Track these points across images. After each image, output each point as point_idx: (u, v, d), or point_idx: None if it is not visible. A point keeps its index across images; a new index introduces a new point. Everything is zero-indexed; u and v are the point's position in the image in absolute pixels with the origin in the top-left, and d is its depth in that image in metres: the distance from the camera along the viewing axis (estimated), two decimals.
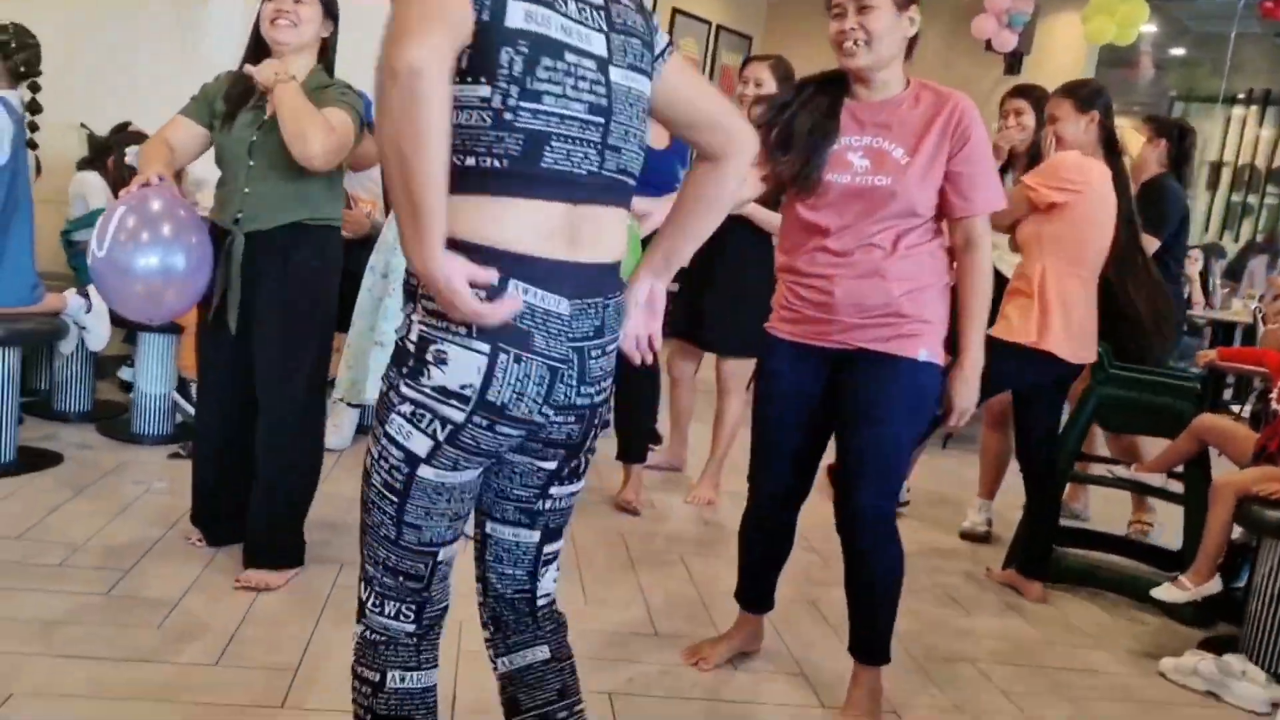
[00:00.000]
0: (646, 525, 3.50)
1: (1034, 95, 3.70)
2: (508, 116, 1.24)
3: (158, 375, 3.78)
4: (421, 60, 1.10)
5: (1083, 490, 4.05)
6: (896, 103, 2.18)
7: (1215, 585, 2.89)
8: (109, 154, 4.10)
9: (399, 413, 1.30)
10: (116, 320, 3.72)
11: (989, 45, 8.16)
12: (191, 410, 3.77)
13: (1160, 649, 2.89)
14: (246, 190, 2.57)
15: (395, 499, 1.34)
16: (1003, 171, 3.72)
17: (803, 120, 2.21)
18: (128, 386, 4.11)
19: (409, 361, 1.29)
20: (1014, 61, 8.47)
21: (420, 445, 1.30)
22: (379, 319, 3.15)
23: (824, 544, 3.40)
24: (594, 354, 1.35)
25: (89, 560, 2.68)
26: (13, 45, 3.34)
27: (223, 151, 2.63)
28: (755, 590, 2.50)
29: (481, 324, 1.24)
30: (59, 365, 3.94)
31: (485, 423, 1.29)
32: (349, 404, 3.65)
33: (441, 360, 1.27)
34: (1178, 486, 3.28)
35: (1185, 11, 8.63)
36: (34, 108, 3.50)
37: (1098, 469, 3.67)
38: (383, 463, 1.34)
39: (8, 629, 2.27)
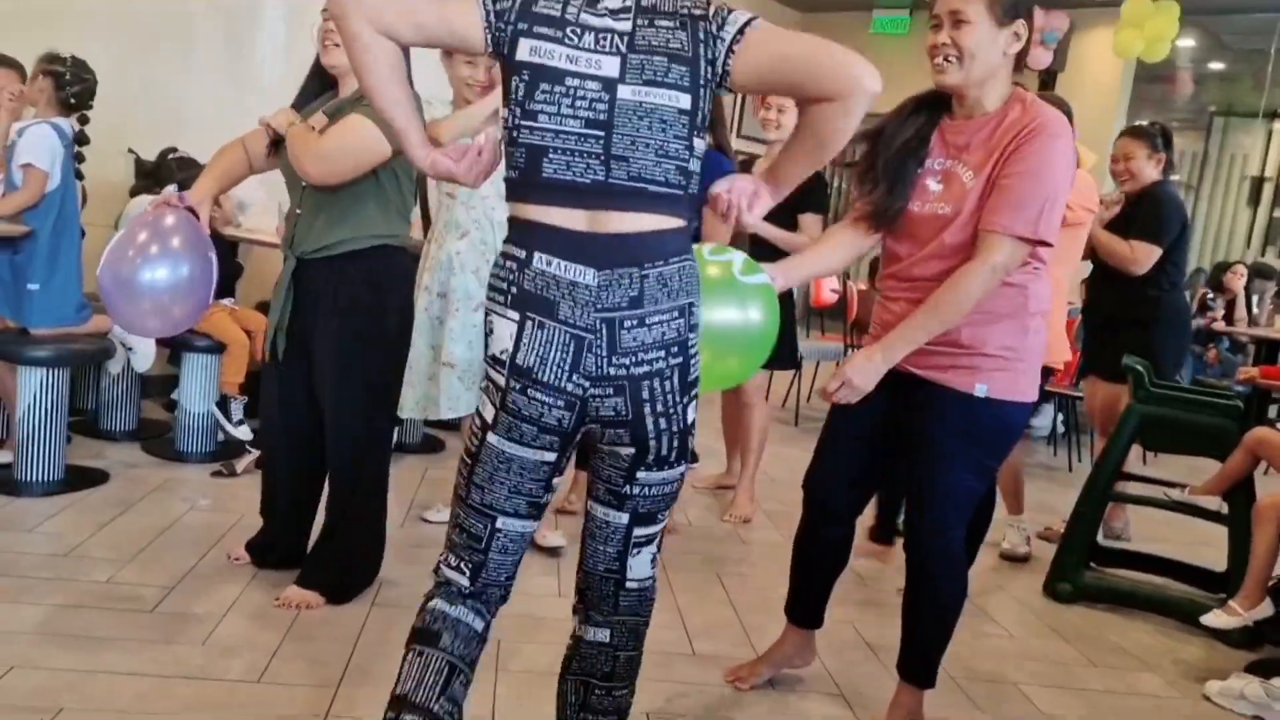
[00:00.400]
0: (683, 544, 3.50)
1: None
2: (515, 134, 1.49)
3: (201, 393, 3.85)
4: (343, 9, 1.43)
5: (1122, 510, 4.00)
6: (983, 121, 2.04)
7: (1266, 609, 2.84)
8: (158, 177, 4.19)
9: (481, 386, 1.58)
10: (161, 340, 3.79)
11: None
12: (231, 428, 3.83)
13: (1206, 671, 2.84)
14: (299, 212, 2.61)
15: (470, 460, 1.58)
16: None
17: (887, 149, 2.11)
18: (174, 405, 4.18)
19: (485, 339, 1.55)
20: (1048, 78, 8.42)
21: (489, 413, 1.54)
22: (445, 340, 3.10)
23: (864, 564, 3.38)
24: (628, 324, 1.47)
25: (135, 577, 2.73)
26: (67, 77, 3.44)
27: (283, 176, 2.68)
28: (805, 605, 2.46)
29: (454, 178, 1.55)
30: (105, 385, 4.02)
31: (519, 387, 1.49)
32: (422, 420, 3.55)
33: (491, 330, 1.52)
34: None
35: (1223, 26, 8.53)
36: (81, 139, 3.60)
37: (1133, 489, 3.64)
38: (471, 432, 1.59)
39: (58, 645, 2.32)
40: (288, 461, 2.74)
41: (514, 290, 1.48)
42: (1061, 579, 3.34)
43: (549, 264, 1.46)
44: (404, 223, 2.65)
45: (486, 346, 1.52)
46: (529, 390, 1.48)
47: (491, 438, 1.53)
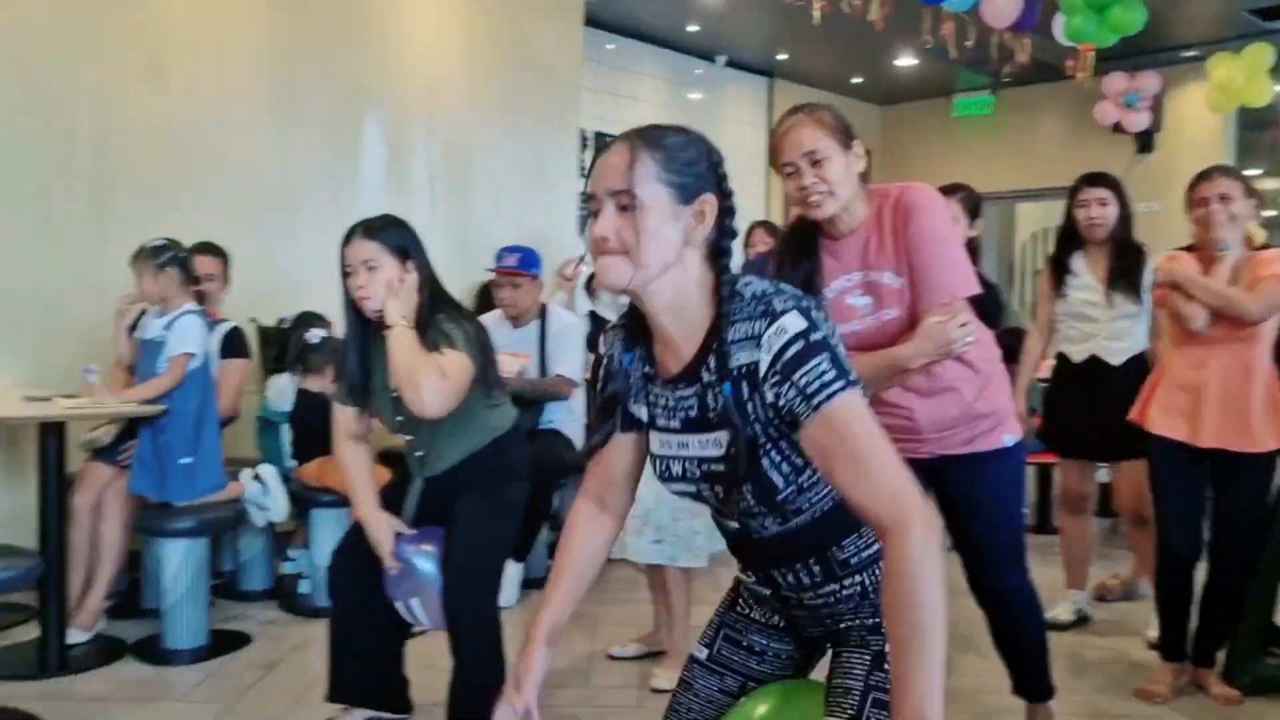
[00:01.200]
0: None
1: (1109, 182, 3.62)
2: None
3: (331, 547, 3.92)
4: None
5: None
6: (865, 230, 2.17)
7: None
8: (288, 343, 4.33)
9: None
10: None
11: (1118, 127, 8.00)
12: None
13: None
14: (419, 454, 2.62)
15: None
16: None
17: None
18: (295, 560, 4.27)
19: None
20: (1145, 139, 8.25)
21: None
22: None
23: None
24: None
25: None
26: (184, 258, 3.65)
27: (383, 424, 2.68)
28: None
29: None
30: (243, 546, 4.15)
31: None
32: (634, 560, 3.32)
33: None
34: None
35: None
36: (200, 299, 3.81)
37: None
38: None
39: None
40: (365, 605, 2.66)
41: None
42: (1240, 671, 3.09)
43: None
44: (505, 399, 2.71)
45: None
46: None
47: None
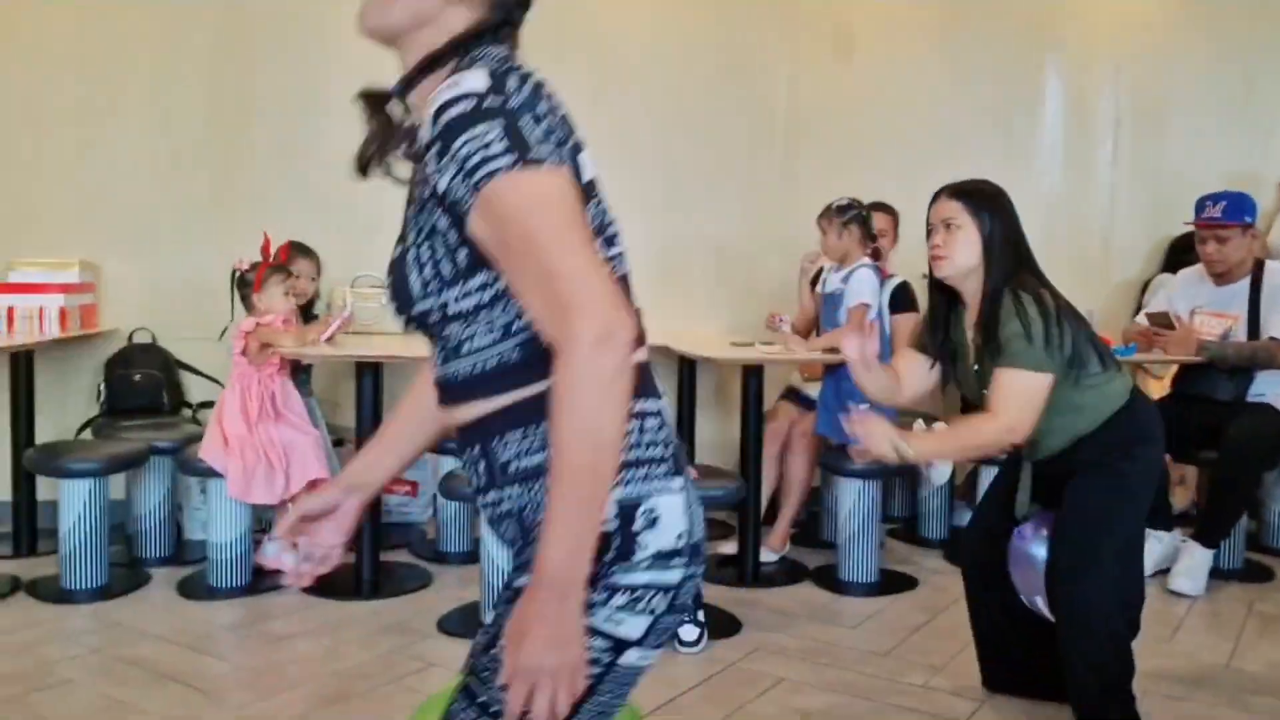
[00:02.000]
0: None
1: None
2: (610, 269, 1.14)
3: None
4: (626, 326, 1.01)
5: None
6: None
7: None
8: None
9: (623, 604, 1.10)
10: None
11: None
12: None
13: None
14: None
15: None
16: None
17: None
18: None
19: (610, 547, 1.08)
20: None
21: (638, 627, 1.11)
22: None
23: None
24: None
25: (948, 685, 2.81)
26: (865, 215, 3.85)
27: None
28: None
29: None
30: (923, 496, 4.30)
31: (696, 572, 1.14)
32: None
33: (655, 519, 1.11)
34: None
35: None
36: (875, 255, 3.96)
37: None
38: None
39: None
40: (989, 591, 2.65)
41: (672, 453, 1.15)
42: None
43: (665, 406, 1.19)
44: (1111, 370, 2.44)
45: (639, 546, 1.09)
46: (700, 570, 1.15)
47: (631, 656, 1.11)
